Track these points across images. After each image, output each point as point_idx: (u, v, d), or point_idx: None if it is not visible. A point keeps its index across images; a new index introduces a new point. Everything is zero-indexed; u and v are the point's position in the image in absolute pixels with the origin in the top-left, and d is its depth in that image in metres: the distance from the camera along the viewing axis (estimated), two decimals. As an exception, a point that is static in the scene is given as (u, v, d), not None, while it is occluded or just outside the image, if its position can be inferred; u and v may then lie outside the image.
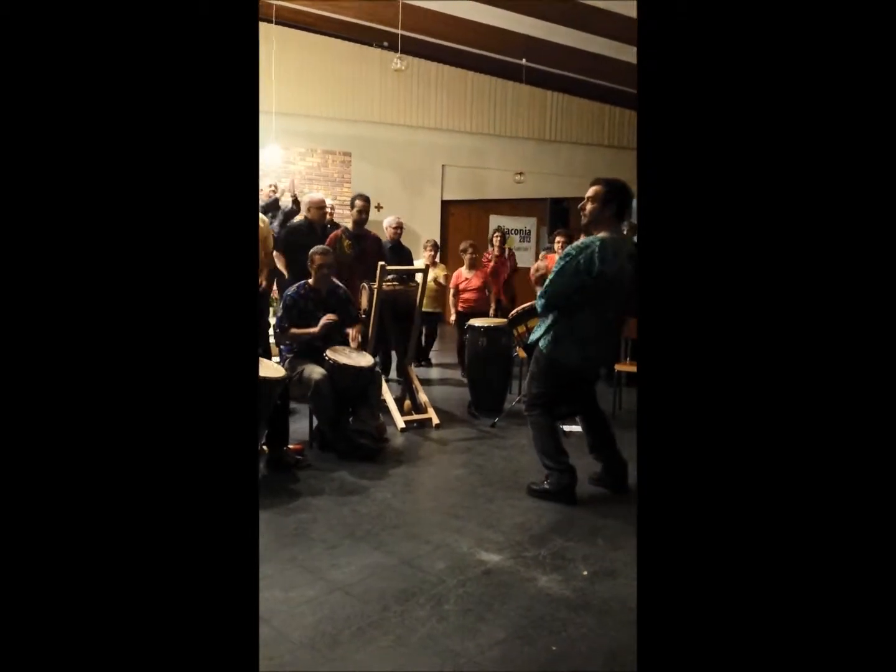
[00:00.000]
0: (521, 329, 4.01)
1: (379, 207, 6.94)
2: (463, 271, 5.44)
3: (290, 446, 3.37)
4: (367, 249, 4.56)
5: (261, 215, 4.75)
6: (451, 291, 5.47)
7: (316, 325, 3.65)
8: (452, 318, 5.45)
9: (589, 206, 2.78)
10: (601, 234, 2.73)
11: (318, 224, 4.76)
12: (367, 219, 4.68)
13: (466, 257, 5.43)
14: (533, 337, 2.98)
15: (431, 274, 5.51)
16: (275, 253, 4.96)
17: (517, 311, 4.04)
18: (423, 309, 5.62)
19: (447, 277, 5.65)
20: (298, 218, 5.41)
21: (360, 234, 4.65)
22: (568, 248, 2.82)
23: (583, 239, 2.81)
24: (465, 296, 5.39)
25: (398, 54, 6.50)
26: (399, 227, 5.32)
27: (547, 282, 2.81)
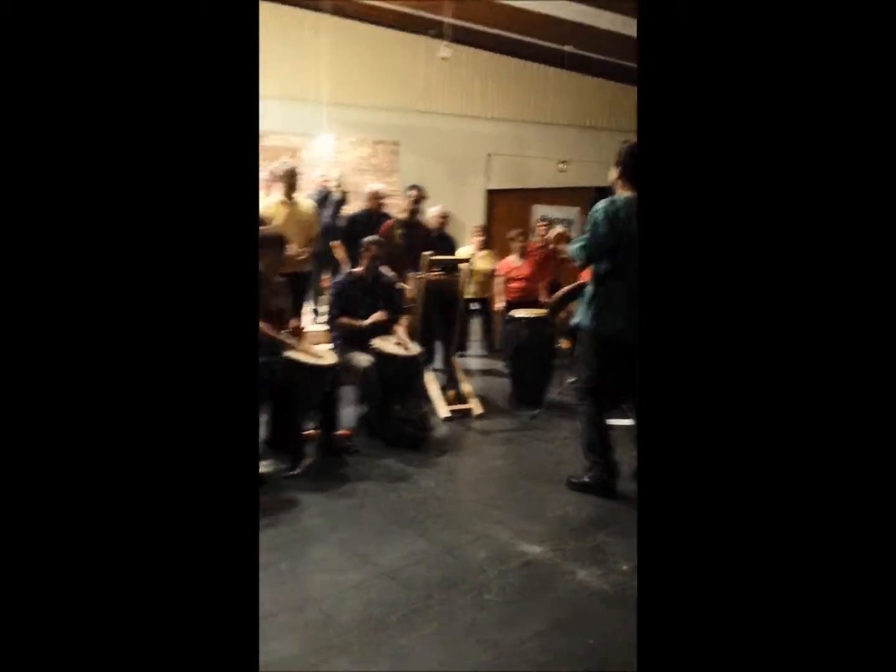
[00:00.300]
0: (563, 315, 4.02)
1: (426, 197, 6.99)
2: (512, 259, 5.43)
3: (340, 432, 3.50)
4: (417, 240, 4.64)
5: (309, 200, 4.87)
6: (500, 280, 5.47)
7: (363, 313, 3.76)
8: (500, 305, 5.45)
9: (611, 169, 2.90)
10: (625, 194, 2.80)
11: (376, 214, 4.87)
12: (419, 209, 4.76)
13: (516, 245, 5.40)
14: (574, 320, 3.03)
15: (484, 258, 5.57)
16: (334, 243, 5.09)
17: (558, 296, 4.05)
18: (478, 296, 5.70)
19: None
20: (350, 209, 5.51)
21: (412, 223, 4.73)
22: (596, 205, 2.86)
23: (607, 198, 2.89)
24: (515, 285, 5.36)
25: (445, 42, 6.50)
26: (445, 217, 5.36)
27: (583, 236, 2.87)
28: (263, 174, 5.25)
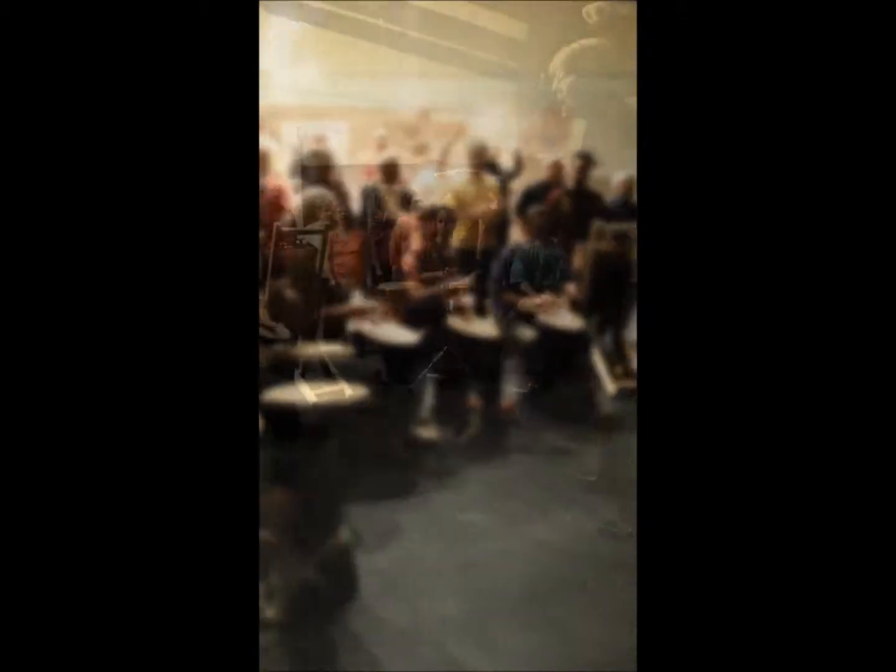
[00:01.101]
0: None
1: (595, 164, 6.70)
2: None
3: (503, 404, 3.52)
4: (587, 209, 4.47)
5: (490, 176, 4.91)
6: None
7: (527, 286, 3.72)
8: None
9: None
10: None
11: (555, 185, 4.79)
12: (585, 177, 4.59)
13: None
14: None
15: None
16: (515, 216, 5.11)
17: None
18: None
19: None
20: (523, 180, 5.45)
21: (581, 192, 4.58)
22: None
23: None
24: None
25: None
26: (630, 184, 5.11)
27: None
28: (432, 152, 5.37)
